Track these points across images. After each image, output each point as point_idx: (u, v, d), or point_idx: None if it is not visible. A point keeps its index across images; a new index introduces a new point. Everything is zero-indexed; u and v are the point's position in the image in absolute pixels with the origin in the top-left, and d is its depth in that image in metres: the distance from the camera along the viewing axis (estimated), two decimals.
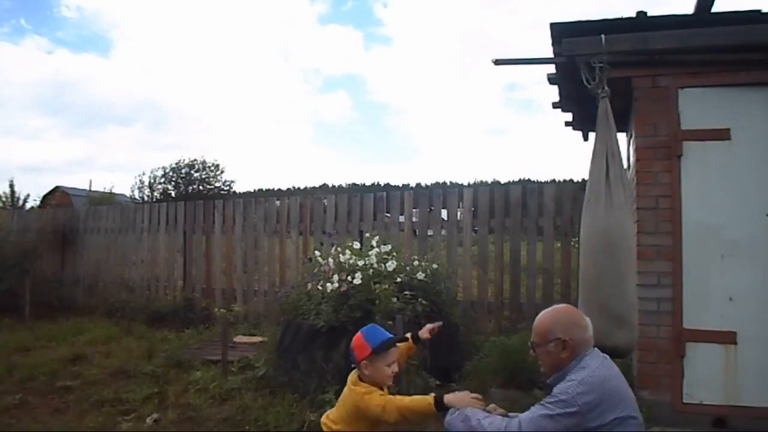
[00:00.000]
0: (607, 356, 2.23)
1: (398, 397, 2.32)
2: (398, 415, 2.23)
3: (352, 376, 2.43)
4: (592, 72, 3.51)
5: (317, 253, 5.29)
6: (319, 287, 4.64)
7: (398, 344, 2.53)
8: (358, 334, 2.44)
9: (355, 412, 2.35)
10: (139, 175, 27.64)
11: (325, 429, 2.43)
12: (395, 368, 2.41)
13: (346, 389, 2.43)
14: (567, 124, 5.91)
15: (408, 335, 2.75)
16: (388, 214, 7.13)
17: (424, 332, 2.73)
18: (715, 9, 3.87)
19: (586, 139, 6.06)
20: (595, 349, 2.20)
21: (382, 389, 2.38)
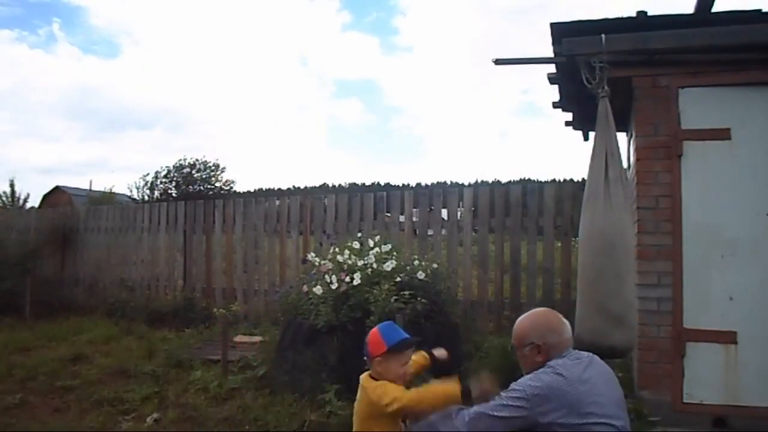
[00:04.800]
0: (595, 357, 2.22)
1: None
2: (415, 395, 2.20)
3: (364, 377, 2.33)
4: (592, 71, 3.52)
5: (313, 254, 5.28)
6: (314, 290, 4.63)
7: (418, 351, 2.47)
8: (375, 329, 2.35)
9: (369, 411, 2.24)
10: (143, 176, 27.55)
11: None
12: (408, 369, 2.34)
13: (359, 393, 2.32)
14: (567, 123, 5.91)
15: (430, 352, 2.63)
16: (389, 214, 7.12)
17: (441, 353, 2.64)
18: (715, 9, 3.87)
19: (586, 138, 6.06)
20: (573, 351, 2.21)
21: None
